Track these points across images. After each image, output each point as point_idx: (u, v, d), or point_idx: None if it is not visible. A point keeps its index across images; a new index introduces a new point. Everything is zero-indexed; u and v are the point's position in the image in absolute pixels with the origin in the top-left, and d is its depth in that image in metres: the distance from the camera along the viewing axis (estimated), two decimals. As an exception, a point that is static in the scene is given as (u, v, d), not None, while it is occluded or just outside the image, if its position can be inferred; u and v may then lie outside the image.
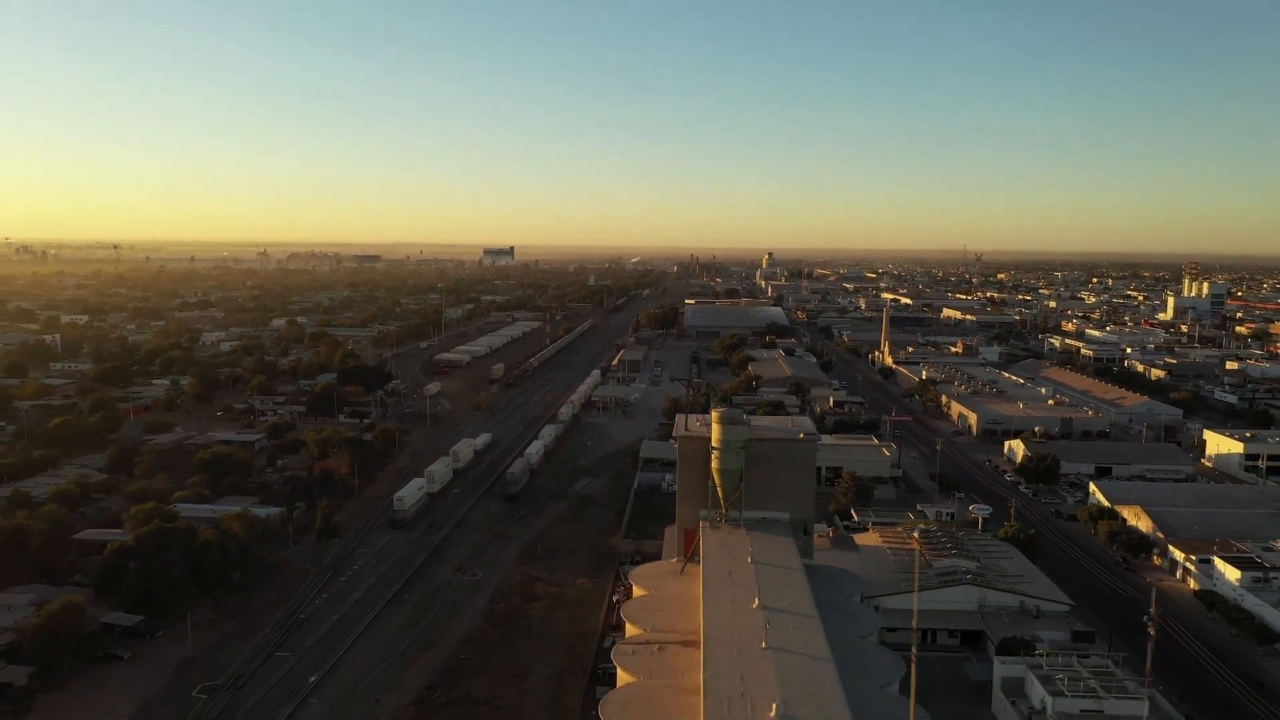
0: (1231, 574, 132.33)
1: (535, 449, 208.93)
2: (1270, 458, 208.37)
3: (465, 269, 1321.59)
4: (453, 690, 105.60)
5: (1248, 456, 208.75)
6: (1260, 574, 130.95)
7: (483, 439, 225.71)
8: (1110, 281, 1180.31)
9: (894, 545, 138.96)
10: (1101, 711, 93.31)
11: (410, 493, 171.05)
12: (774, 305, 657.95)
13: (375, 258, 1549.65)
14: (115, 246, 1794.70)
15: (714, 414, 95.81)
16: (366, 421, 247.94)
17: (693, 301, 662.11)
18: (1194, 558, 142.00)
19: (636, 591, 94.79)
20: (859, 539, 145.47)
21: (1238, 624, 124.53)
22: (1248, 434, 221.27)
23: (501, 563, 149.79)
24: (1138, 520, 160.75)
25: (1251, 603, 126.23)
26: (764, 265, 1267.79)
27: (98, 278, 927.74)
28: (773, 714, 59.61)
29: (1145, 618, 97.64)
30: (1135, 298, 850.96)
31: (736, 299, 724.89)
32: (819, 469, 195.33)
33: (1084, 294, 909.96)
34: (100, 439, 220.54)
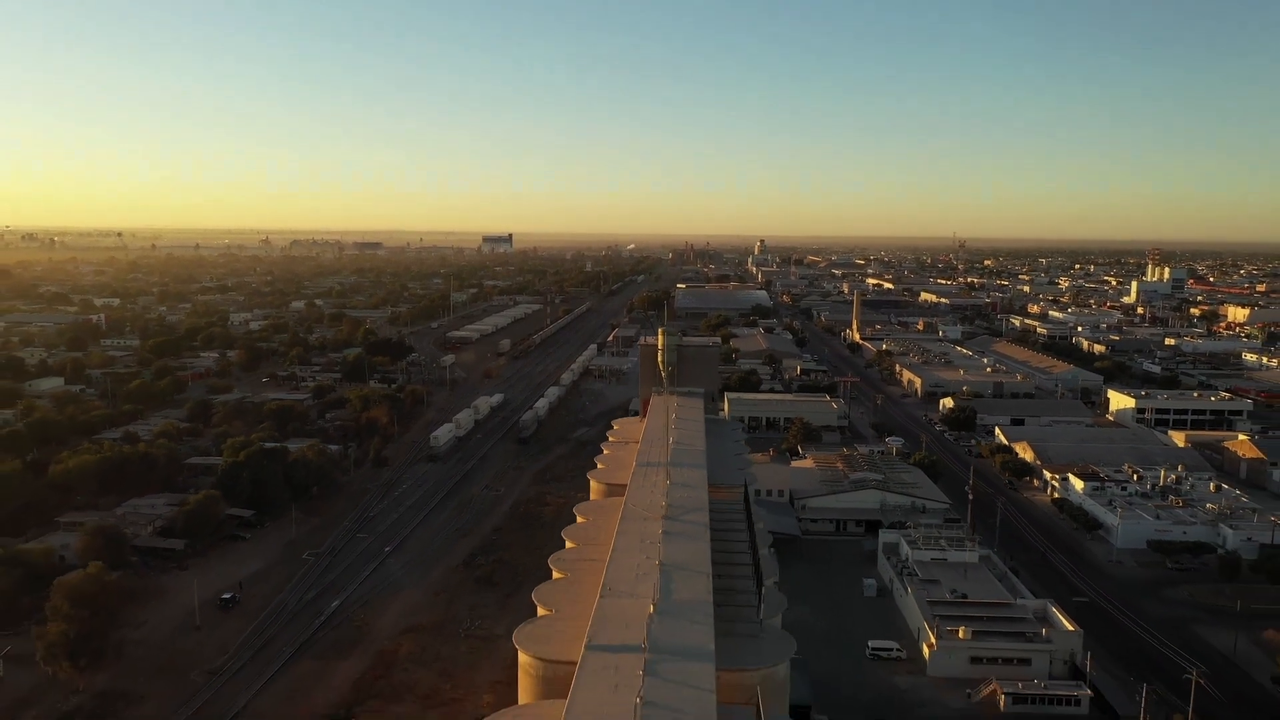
0: (1079, 485, 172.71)
1: (542, 404, 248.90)
2: (1156, 410, 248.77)
3: (465, 256, 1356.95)
4: (489, 557, 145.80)
5: (1138, 410, 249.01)
6: (1099, 484, 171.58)
7: (496, 398, 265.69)
8: (1092, 268, 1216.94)
9: (822, 465, 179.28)
10: (945, 559, 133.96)
11: (443, 433, 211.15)
12: (760, 289, 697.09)
13: (377, 245, 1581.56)
14: (119, 234, 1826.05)
15: (659, 331, 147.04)
16: (395, 385, 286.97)
17: (684, 286, 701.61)
18: (1057, 477, 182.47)
19: (615, 428, 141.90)
20: (798, 463, 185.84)
21: (1076, 518, 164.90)
22: (1142, 392, 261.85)
23: (518, 484, 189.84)
24: (1025, 453, 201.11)
25: (1089, 505, 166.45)
26: (756, 252, 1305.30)
27: (113, 264, 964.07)
28: (668, 447, 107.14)
29: (966, 487, 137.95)
30: (1110, 282, 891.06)
31: (725, 283, 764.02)
32: (779, 419, 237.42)
33: (1062, 279, 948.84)
34: (170, 398, 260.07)
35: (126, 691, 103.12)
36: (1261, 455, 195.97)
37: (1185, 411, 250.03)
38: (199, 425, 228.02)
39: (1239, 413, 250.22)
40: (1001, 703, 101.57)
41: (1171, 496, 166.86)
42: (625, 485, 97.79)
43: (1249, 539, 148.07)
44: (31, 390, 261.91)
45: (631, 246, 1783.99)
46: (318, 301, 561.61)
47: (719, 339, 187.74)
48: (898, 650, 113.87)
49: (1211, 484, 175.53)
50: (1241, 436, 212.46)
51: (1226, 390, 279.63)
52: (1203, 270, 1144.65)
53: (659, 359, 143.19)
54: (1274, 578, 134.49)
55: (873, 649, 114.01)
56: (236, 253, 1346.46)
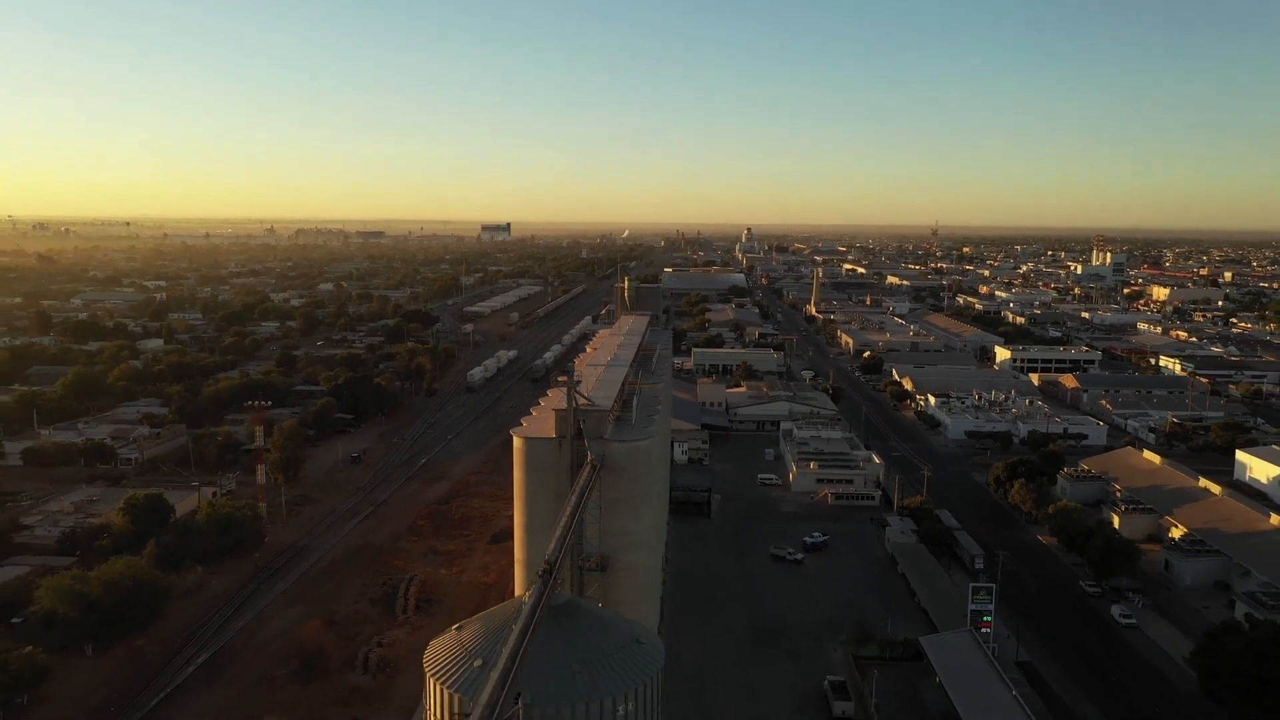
0: (934, 400, 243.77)
1: (549, 356, 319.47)
2: (1027, 360, 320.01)
3: (465, 244, 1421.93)
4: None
5: (1013, 360, 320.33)
6: (946, 399, 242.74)
7: (512, 353, 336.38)
8: (1062, 254, 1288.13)
9: (751, 388, 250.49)
10: (819, 435, 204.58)
11: (476, 374, 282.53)
12: (739, 273, 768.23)
13: (380, 234, 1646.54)
14: (128, 223, 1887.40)
15: (624, 278, 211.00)
16: (429, 345, 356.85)
17: (670, 269, 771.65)
18: (922, 397, 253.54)
19: (598, 334, 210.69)
20: (734, 389, 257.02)
21: (926, 421, 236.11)
22: (1020, 347, 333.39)
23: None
24: (908, 385, 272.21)
25: (936, 412, 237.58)
26: (743, 240, 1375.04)
27: (137, 252, 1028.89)
28: (620, 339, 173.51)
29: (828, 385, 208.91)
30: (1069, 267, 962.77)
31: (709, 268, 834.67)
32: (732, 365, 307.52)
33: (1026, 265, 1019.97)
34: (254, 354, 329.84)
35: (312, 496, 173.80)
36: (1079, 385, 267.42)
37: (1050, 361, 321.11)
38: (287, 370, 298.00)
39: (1091, 362, 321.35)
40: (828, 499, 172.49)
41: (994, 407, 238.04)
42: (598, 348, 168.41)
43: (1033, 430, 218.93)
44: (143, 348, 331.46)
45: (626, 235, 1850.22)
46: (343, 283, 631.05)
47: (661, 282, 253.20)
48: (775, 480, 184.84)
49: (1027, 400, 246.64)
50: (1070, 375, 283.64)
51: (1101, 348, 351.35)
52: (1167, 256, 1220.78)
53: (624, 294, 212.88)
54: (1031, 448, 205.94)
55: (760, 479, 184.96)
56: (246, 241, 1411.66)
